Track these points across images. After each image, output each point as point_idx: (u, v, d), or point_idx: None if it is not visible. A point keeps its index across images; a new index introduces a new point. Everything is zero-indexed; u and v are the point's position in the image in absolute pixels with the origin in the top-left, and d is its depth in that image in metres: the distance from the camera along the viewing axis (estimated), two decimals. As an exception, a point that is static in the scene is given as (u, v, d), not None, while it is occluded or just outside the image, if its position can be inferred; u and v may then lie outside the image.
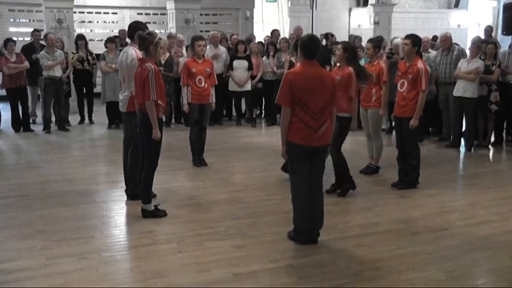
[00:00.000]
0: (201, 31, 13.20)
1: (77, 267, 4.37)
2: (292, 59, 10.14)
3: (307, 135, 4.70)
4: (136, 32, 5.76)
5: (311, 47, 4.77)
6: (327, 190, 6.14)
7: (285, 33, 16.84)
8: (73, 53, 10.85)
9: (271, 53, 11.03)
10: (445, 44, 9.17)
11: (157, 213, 5.54)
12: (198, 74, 7.45)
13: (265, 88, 11.04)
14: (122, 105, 6.04)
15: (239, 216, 5.60)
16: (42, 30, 11.76)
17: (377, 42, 7.33)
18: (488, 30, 11.70)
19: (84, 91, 11.01)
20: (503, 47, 11.11)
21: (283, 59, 10.70)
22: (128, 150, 6.04)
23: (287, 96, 4.67)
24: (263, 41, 12.22)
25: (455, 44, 9.62)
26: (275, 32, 12.98)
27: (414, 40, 6.42)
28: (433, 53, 9.48)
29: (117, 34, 11.82)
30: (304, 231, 4.85)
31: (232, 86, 10.70)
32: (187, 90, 7.52)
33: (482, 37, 11.32)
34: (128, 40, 6.96)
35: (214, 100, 7.78)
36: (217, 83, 7.88)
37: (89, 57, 10.84)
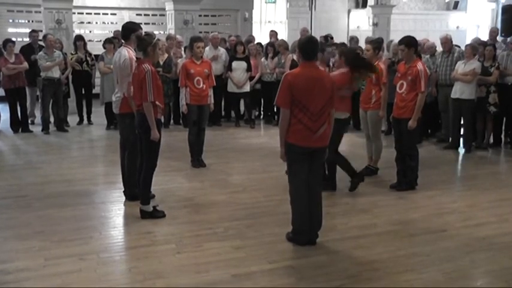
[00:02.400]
0: (200, 32, 13.22)
1: (75, 268, 4.37)
2: (295, 58, 10.16)
3: (306, 136, 4.70)
4: (130, 32, 5.79)
5: (310, 49, 4.78)
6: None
7: (282, 34, 16.85)
8: (72, 54, 10.84)
9: (270, 55, 11.03)
10: (446, 46, 9.16)
11: (156, 214, 5.54)
12: (196, 75, 7.45)
13: (263, 89, 11.05)
14: (115, 106, 6.04)
15: (238, 217, 5.60)
16: (41, 31, 11.75)
17: (377, 44, 7.33)
18: (495, 31, 11.57)
19: (83, 92, 11.00)
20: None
21: (282, 60, 10.69)
22: (125, 152, 6.04)
23: (286, 98, 4.67)
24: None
25: (456, 45, 9.61)
26: (272, 33, 13.01)
27: (407, 42, 6.42)
28: (425, 57, 9.39)
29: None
30: (302, 233, 4.85)
31: (231, 87, 10.70)
32: (186, 91, 7.53)
33: (485, 38, 11.24)
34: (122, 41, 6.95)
35: (212, 101, 7.79)
36: (215, 84, 7.88)
37: (88, 58, 10.83)
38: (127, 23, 6.36)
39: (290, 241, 4.92)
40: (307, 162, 4.79)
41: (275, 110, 11.25)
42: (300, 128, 4.69)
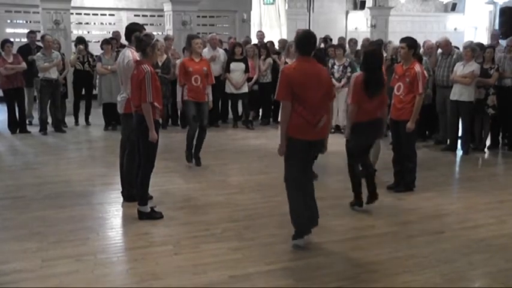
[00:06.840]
0: (198, 33, 13.19)
1: (72, 269, 4.36)
2: (288, 60, 10.18)
3: (306, 129, 4.70)
4: (134, 33, 5.76)
5: (306, 43, 4.78)
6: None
7: (282, 35, 16.86)
8: (74, 53, 10.82)
9: (263, 56, 11.03)
10: (446, 48, 9.16)
11: (154, 215, 5.53)
12: (195, 73, 7.44)
13: (261, 90, 11.06)
14: (120, 106, 6.03)
15: (235, 219, 5.59)
16: (39, 31, 11.74)
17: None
18: (496, 34, 11.49)
19: (83, 92, 10.97)
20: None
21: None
22: (125, 151, 6.03)
23: (286, 91, 4.66)
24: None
25: (455, 47, 9.62)
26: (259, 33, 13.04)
27: (409, 43, 6.43)
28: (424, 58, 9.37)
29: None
30: (304, 225, 4.81)
31: (229, 88, 10.70)
32: (184, 88, 7.52)
33: (483, 40, 11.18)
34: (124, 42, 6.95)
35: (211, 98, 7.78)
36: (214, 82, 7.88)
37: (90, 59, 10.81)
38: (130, 24, 6.33)
39: (297, 246, 4.84)
40: (306, 154, 4.80)
41: (272, 111, 11.29)
42: (300, 122, 4.68)
